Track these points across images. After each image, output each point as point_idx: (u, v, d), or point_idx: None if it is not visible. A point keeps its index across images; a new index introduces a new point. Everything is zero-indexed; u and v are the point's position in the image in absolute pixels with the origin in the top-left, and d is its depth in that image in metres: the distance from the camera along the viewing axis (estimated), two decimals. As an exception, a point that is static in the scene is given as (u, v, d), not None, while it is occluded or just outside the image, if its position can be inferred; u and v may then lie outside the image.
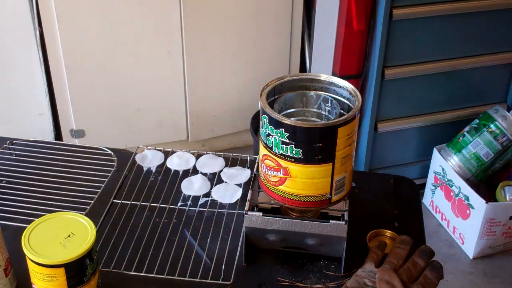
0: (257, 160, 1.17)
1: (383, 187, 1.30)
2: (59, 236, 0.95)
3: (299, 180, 1.00)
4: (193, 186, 1.24)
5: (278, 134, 0.97)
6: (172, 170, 1.30)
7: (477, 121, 2.28)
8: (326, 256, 1.10)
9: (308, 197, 1.01)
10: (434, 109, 2.38)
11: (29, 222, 1.00)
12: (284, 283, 1.06)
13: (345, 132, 0.97)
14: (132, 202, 1.21)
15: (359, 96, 1.02)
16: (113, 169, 1.30)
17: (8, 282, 1.01)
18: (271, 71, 2.57)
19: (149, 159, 1.32)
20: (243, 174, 1.26)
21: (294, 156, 0.97)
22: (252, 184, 1.13)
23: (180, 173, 1.29)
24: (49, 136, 2.45)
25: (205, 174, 1.28)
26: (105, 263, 1.08)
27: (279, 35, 2.54)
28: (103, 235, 1.13)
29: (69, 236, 0.95)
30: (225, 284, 1.05)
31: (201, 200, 1.22)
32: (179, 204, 1.22)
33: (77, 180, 1.25)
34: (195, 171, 1.29)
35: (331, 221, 1.03)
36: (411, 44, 2.17)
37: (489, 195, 2.30)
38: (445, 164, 2.30)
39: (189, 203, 1.22)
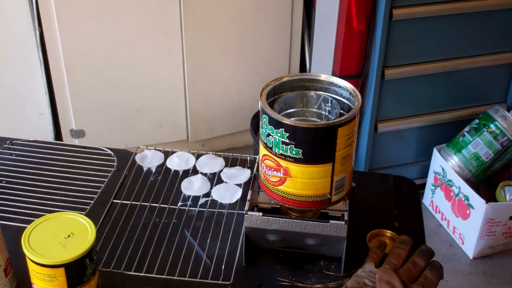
0: (257, 160, 1.17)
1: (383, 187, 1.30)
2: (59, 236, 0.95)
3: (299, 180, 1.00)
4: (193, 186, 1.24)
5: (278, 134, 0.97)
6: (172, 170, 1.30)
7: (477, 121, 2.28)
8: (326, 256, 1.11)
9: (308, 197, 1.01)
10: (434, 109, 2.38)
11: (29, 222, 1.00)
12: (284, 283, 1.06)
13: (345, 132, 0.97)
14: (132, 202, 1.21)
15: (359, 96, 1.02)
16: (113, 169, 1.30)
17: (8, 282, 1.01)
18: (271, 71, 2.57)
19: (149, 159, 1.32)
20: (243, 174, 1.26)
21: (294, 156, 0.97)
22: (252, 184, 1.13)
23: (180, 173, 1.29)
24: (49, 136, 2.45)
25: (205, 174, 1.28)
26: (105, 263, 1.08)
27: (279, 35, 2.54)
28: (103, 235, 1.13)
29: (69, 236, 0.95)
30: (225, 284, 1.05)
31: (201, 200, 1.22)
32: (179, 204, 1.22)
33: (77, 180, 1.26)
34: (195, 171, 1.29)
35: (331, 221, 1.03)
36: (411, 44, 2.18)
37: (489, 195, 2.30)
38: (445, 164, 2.31)
39: (189, 203, 1.22)
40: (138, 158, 1.32)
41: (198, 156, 1.32)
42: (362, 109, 2.29)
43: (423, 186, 2.49)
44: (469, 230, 2.24)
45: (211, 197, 1.22)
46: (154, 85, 2.46)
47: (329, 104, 1.06)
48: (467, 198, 2.21)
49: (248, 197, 1.09)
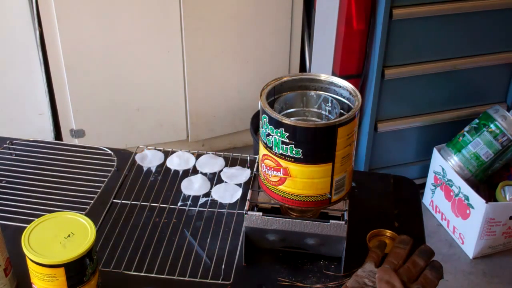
0: (257, 160, 1.17)
1: (383, 187, 1.30)
2: (59, 236, 0.95)
3: (299, 180, 1.00)
4: (193, 186, 1.24)
5: (278, 134, 0.97)
6: (172, 170, 1.30)
7: (477, 121, 2.28)
8: (326, 256, 1.10)
9: (308, 197, 1.01)
10: (434, 109, 2.38)
11: (29, 222, 1.00)
12: (284, 283, 1.06)
13: (345, 132, 0.97)
14: (132, 202, 1.21)
15: (359, 96, 1.02)
16: (113, 169, 1.30)
17: (8, 282, 1.01)
18: (271, 71, 2.57)
19: (149, 159, 1.32)
20: (243, 174, 1.26)
21: (294, 156, 0.97)
22: (252, 184, 1.13)
23: (180, 173, 1.29)
24: (49, 136, 2.45)
25: (205, 174, 1.28)
26: (105, 263, 1.08)
27: (279, 35, 2.54)
28: (103, 235, 1.13)
29: (69, 236, 0.95)
30: (225, 284, 1.05)
31: (201, 200, 1.22)
32: (179, 204, 1.22)
33: (77, 180, 1.26)
34: (195, 171, 1.29)
35: (331, 221, 1.03)
36: (411, 44, 2.18)
37: (489, 195, 2.30)
38: (445, 164, 2.31)
39: (189, 203, 1.22)
40: (138, 158, 1.32)
41: (198, 156, 1.32)
42: (362, 109, 2.29)
43: (423, 186, 2.49)
44: (469, 230, 2.24)
45: (211, 197, 1.22)
46: (154, 85, 2.46)
47: (329, 104, 1.06)
48: (467, 198, 2.21)
49: (248, 197, 1.09)
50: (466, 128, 2.30)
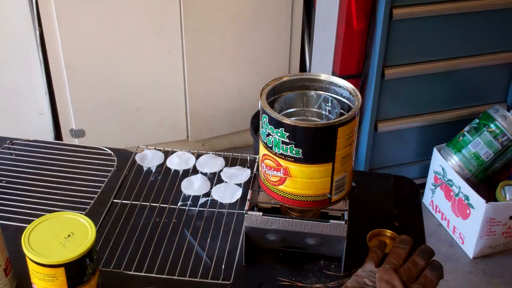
0: (257, 160, 1.17)
1: (383, 187, 1.29)
2: (59, 236, 0.95)
3: (299, 180, 1.00)
4: (193, 186, 1.24)
5: (278, 134, 0.97)
6: (172, 170, 1.30)
7: (477, 120, 2.28)
8: (326, 256, 1.11)
9: (308, 197, 1.01)
10: (434, 109, 2.38)
11: (29, 222, 1.00)
12: (284, 283, 1.06)
13: (345, 132, 0.97)
14: (132, 202, 1.21)
15: (359, 96, 1.02)
16: (113, 169, 1.30)
17: (8, 282, 1.01)
18: (271, 71, 2.57)
19: (149, 159, 1.32)
20: (243, 174, 1.26)
21: (294, 156, 0.97)
22: (252, 184, 1.13)
23: (180, 173, 1.29)
24: (49, 136, 2.45)
25: (205, 174, 1.28)
26: (105, 263, 1.08)
27: (279, 35, 2.54)
28: (103, 235, 1.13)
29: (69, 236, 0.95)
30: (225, 284, 1.05)
31: (201, 200, 1.22)
32: (179, 204, 1.22)
33: (77, 180, 1.25)
34: (195, 171, 1.29)
35: (331, 220, 1.03)
36: (411, 44, 2.18)
37: (489, 194, 2.31)
38: (445, 164, 2.31)
39: (189, 203, 1.22)
40: (138, 157, 1.32)
41: (198, 156, 1.32)
42: (362, 108, 2.29)
43: (423, 185, 2.49)
44: (469, 230, 2.24)
45: (211, 196, 1.22)
46: (154, 85, 2.46)
47: (329, 104, 1.06)
48: (467, 198, 2.21)
49: (248, 197, 1.09)
50: (466, 128, 2.30)
